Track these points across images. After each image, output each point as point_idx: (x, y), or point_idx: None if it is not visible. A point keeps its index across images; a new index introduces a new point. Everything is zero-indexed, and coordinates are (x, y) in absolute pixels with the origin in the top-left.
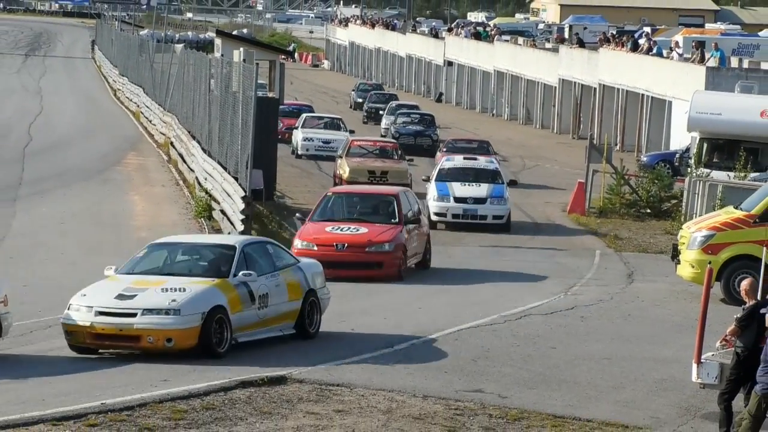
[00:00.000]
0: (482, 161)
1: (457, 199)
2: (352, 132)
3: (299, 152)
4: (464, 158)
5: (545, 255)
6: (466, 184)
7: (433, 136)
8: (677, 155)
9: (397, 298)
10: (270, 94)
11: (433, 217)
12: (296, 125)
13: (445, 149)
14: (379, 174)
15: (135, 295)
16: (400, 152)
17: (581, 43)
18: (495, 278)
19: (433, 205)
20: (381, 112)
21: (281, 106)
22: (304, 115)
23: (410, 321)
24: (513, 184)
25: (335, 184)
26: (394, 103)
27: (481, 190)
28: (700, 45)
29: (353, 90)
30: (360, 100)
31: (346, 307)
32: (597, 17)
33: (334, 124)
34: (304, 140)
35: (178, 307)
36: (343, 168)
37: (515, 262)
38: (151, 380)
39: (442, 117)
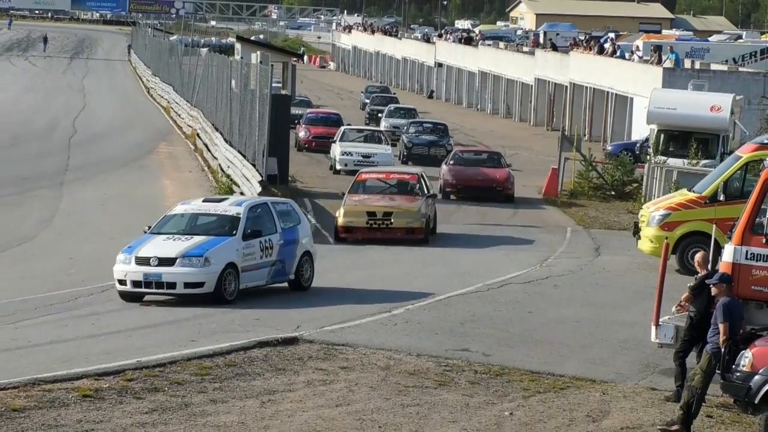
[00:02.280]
0: (225, 204)
1: (139, 260)
2: (394, 145)
3: (337, 167)
4: (204, 200)
5: (523, 231)
6: (174, 237)
7: (447, 147)
8: (638, 145)
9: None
10: (283, 92)
11: (117, 286)
12: (334, 138)
13: (452, 161)
14: (381, 215)
15: None
16: (420, 186)
17: (554, 47)
18: (479, 251)
19: (115, 269)
20: (379, 115)
21: (308, 114)
22: (342, 128)
23: (406, 288)
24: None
25: (336, 232)
26: (392, 106)
27: (176, 246)
28: (658, 49)
29: (362, 92)
30: (367, 101)
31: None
32: (568, 25)
33: (374, 137)
34: (343, 154)
35: None
36: (339, 212)
37: (497, 238)
38: (180, 341)
39: (433, 112)
